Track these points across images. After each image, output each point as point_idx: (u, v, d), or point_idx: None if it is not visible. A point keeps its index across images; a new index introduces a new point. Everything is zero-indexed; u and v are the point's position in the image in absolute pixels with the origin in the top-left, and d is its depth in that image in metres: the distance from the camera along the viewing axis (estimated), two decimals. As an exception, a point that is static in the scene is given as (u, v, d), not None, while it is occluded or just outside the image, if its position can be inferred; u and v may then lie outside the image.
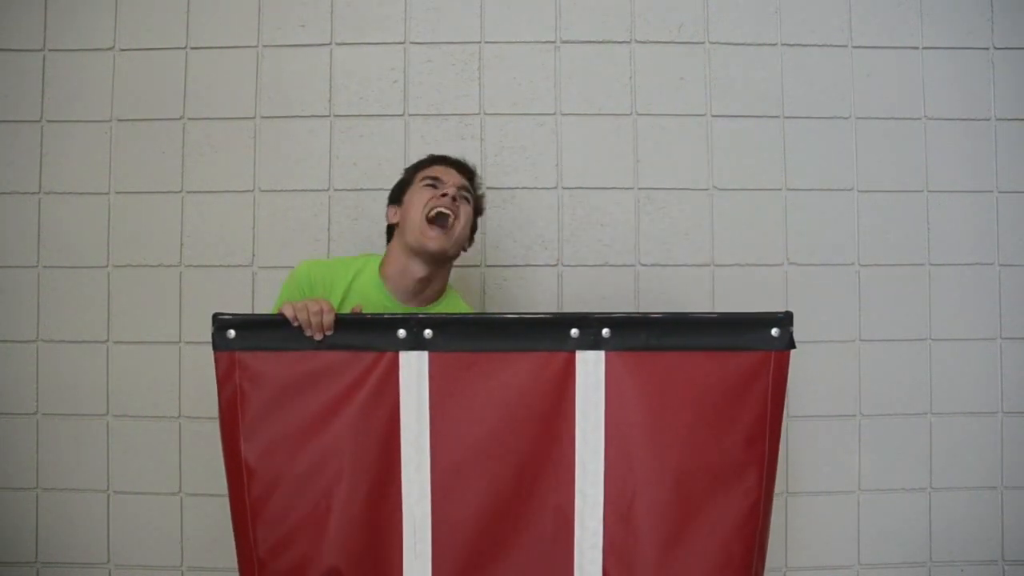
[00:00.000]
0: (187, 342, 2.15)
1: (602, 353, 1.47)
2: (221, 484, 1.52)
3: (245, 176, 2.18)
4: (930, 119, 2.20)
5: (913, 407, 2.18)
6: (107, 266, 2.17)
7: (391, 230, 1.81)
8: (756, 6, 2.21)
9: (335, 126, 2.19)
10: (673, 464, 1.45)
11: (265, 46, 2.19)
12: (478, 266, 2.15)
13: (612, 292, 2.16)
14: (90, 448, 2.15)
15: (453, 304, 1.83)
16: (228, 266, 2.16)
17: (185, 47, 2.19)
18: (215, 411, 1.49)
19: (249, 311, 2.09)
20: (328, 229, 2.17)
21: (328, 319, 1.47)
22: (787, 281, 2.18)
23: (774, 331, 1.47)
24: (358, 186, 2.17)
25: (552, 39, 2.20)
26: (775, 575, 2.15)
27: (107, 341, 2.16)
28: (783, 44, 2.21)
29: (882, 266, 2.19)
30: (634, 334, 1.47)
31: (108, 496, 2.15)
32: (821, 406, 2.17)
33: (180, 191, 2.18)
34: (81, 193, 2.17)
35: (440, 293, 1.79)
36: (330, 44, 2.19)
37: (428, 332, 1.47)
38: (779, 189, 2.19)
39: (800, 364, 1.95)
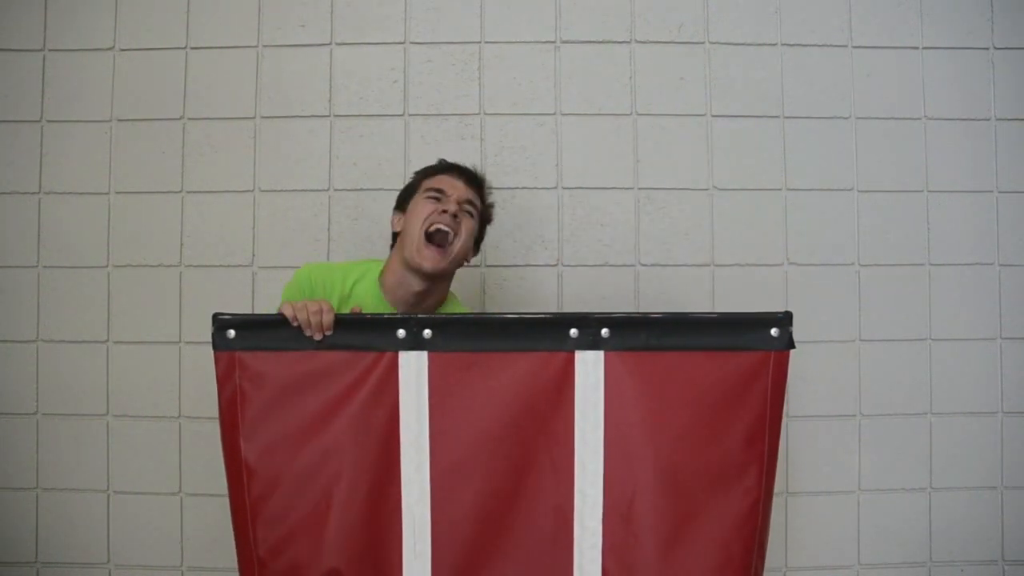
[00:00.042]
0: (187, 342, 2.15)
1: (601, 353, 1.47)
2: (221, 484, 1.52)
3: (245, 176, 2.18)
4: (930, 119, 2.20)
5: (913, 407, 2.18)
6: (107, 266, 2.17)
7: (396, 236, 1.80)
8: (756, 6, 2.21)
9: (335, 126, 2.19)
10: (673, 464, 1.45)
11: (265, 46, 2.19)
12: (478, 266, 2.15)
13: (612, 292, 2.16)
14: (90, 448, 2.15)
15: (453, 310, 1.82)
16: (228, 266, 2.16)
17: (185, 47, 2.19)
18: (215, 411, 1.49)
19: (249, 311, 2.09)
20: (328, 229, 2.17)
21: (327, 319, 1.47)
22: (787, 281, 2.18)
23: (774, 331, 1.46)
24: (358, 186, 2.17)
25: (552, 39, 2.20)
26: (775, 575, 2.15)
27: (107, 341, 2.16)
28: (783, 44, 2.21)
29: (882, 266, 2.19)
30: (633, 334, 1.47)
31: (108, 496, 2.16)
32: (821, 406, 2.17)
33: (180, 191, 2.18)
34: (81, 193, 2.18)
35: (440, 303, 1.78)
36: (330, 44, 2.19)
37: (427, 332, 1.47)
38: (779, 189, 2.19)
39: (800, 364, 1.96)
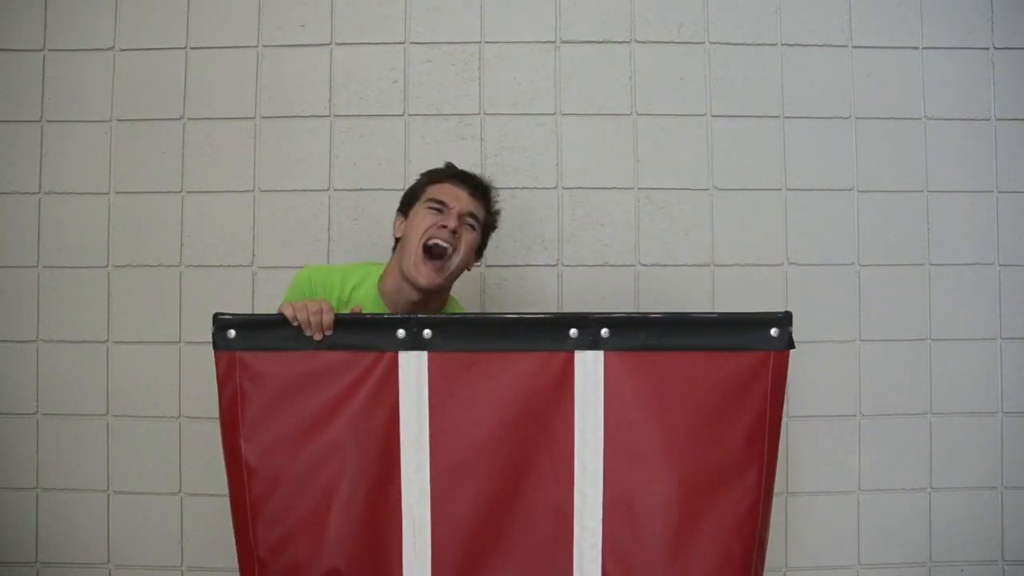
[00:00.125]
0: (187, 342, 2.16)
1: (601, 353, 1.47)
2: (221, 484, 1.52)
3: (245, 176, 2.18)
4: (930, 119, 2.20)
5: (913, 407, 2.18)
6: (107, 266, 2.17)
7: (398, 240, 1.78)
8: (756, 6, 2.21)
9: (335, 126, 2.19)
10: (672, 464, 1.45)
11: (265, 46, 2.19)
12: (478, 266, 2.15)
13: (612, 292, 2.16)
14: (90, 448, 2.15)
15: (452, 311, 1.82)
16: (228, 266, 2.17)
17: (185, 47, 2.19)
18: (215, 411, 1.49)
19: (249, 311, 2.09)
20: (328, 229, 2.17)
21: (327, 319, 1.47)
22: (787, 281, 2.18)
23: (774, 331, 1.46)
24: (358, 186, 2.17)
25: (552, 39, 2.20)
26: (775, 575, 2.15)
27: (107, 341, 2.16)
28: (783, 44, 2.21)
29: (882, 266, 2.19)
30: (633, 334, 1.47)
31: (108, 496, 2.16)
32: (821, 406, 2.17)
33: (180, 191, 2.18)
34: (81, 193, 2.18)
35: (439, 310, 1.77)
36: (330, 44, 2.19)
37: (427, 332, 1.47)
38: (779, 189, 2.19)
39: (800, 364, 1.96)
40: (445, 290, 1.75)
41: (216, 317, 1.48)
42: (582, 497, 1.46)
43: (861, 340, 2.18)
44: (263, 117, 2.18)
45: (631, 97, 2.20)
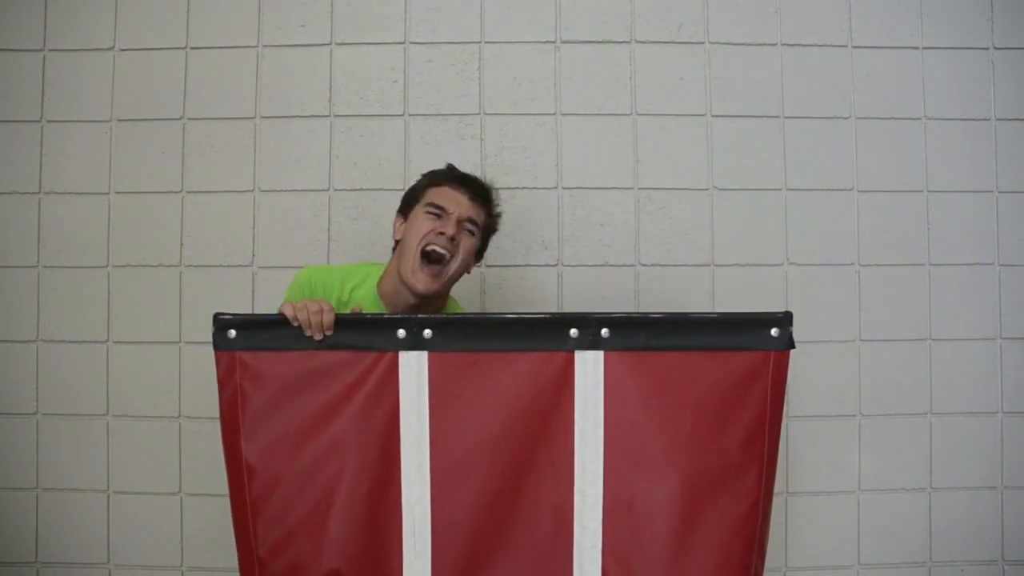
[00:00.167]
0: (187, 342, 2.16)
1: (601, 353, 1.46)
2: (221, 484, 1.52)
3: (245, 176, 2.18)
4: (930, 119, 2.20)
5: (913, 407, 2.18)
6: (107, 266, 2.17)
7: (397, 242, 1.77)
8: (756, 6, 2.21)
9: (335, 126, 2.19)
10: (672, 464, 1.45)
11: (265, 46, 2.19)
12: (478, 266, 2.15)
13: (612, 292, 2.16)
14: (90, 448, 2.15)
15: (452, 311, 1.82)
16: (228, 266, 2.17)
17: (185, 47, 2.19)
18: (215, 411, 1.49)
19: (249, 311, 2.09)
20: (328, 229, 2.17)
21: (328, 319, 1.47)
22: (787, 281, 2.18)
23: (774, 331, 1.46)
24: (358, 186, 2.17)
25: (552, 39, 2.20)
26: (775, 575, 2.15)
27: (107, 341, 2.16)
28: (783, 44, 2.21)
29: (882, 266, 2.19)
30: (633, 334, 1.47)
31: (108, 496, 2.16)
32: (821, 406, 2.17)
33: (180, 191, 2.18)
34: (81, 193, 2.18)
35: (438, 311, 1.77)
36: (330, 44, 2.19)
37: (428, 332, 1.47)
38: (779, 189, 2.19)
39: (800, 364, 1.95)
40: (443, 294, 1.75)
41: (216, 317, 1.48)
42: (582, 497, 1.46)
43: (861, 340, 2.18)
44: (263, 117, 2.18)
45: (631, 97, 2.20)
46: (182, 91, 2.18)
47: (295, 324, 1.47)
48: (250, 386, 1.47)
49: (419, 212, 1.70)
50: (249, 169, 2.18)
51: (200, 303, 2.14)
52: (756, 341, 1.46)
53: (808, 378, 2.14)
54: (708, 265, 2.18)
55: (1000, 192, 2.20)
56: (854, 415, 2.17)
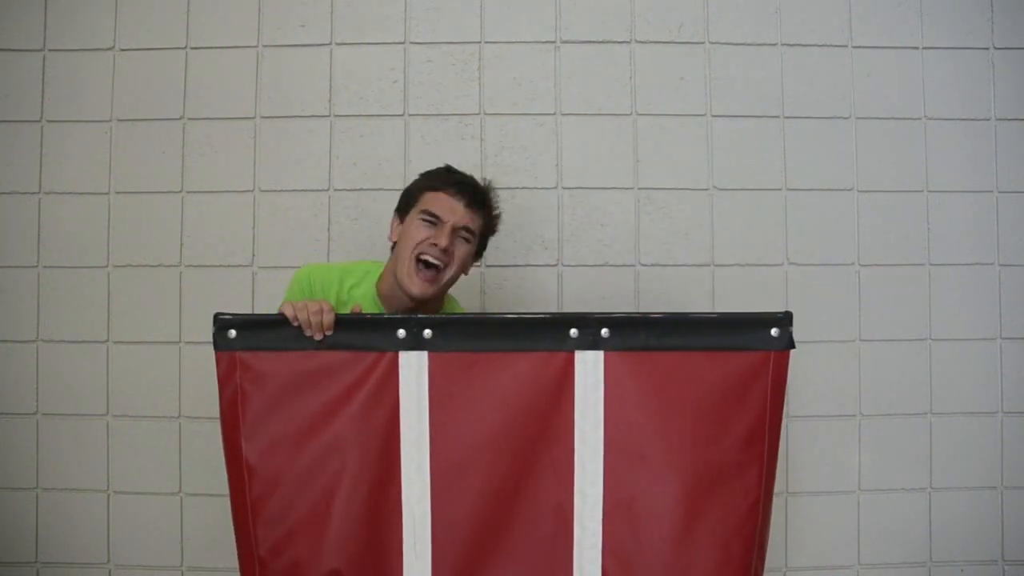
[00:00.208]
0: (187, 342, 2.16)
1: (601, 353, 1.46)
2: (221, 484, 1.52)
3: (245, 176, 2.18)
4: (930, 119, 2.20)
5: (913, 407, 2.18)
6: (107, 266, 2.17)
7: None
8: (756, 6, 2.21)
9: (335, 126, 2.19)
10: (673, 464, 1.45)
11: (265, 46, 2.19)
12: (478, 266, 2.15)
13: (612, 292, 2.16)
14: (90, 448, 2.15)
15: (451, 311, 1.82)
16: (228, 266, 2.17)
17: (185, 47, 2.19)
18: (215, 411, 1.49)
19: (249, 311, 2.09)
20: (328, 229, 2.17)
21: (328, 319, 1.47)
22: (787, 281, 2.18)
23: (774, 331, 1.46)
24: (358, 186, 2.17)
25: (552, 39, 2.20)
26: (775, 575, 2.15)
27: (107, 341, 2.16)
28: (783, 44, 2.21)
29: (882, 266, 2.19)
30: (633, 334, 1.47)
31: (108, 496, 2.16)
32: (821, 406, 2.17)
33: (180, 191, 2.18)
34: (81, 193, 2.18)
35: (438, 310, 1.77)
36: (330, 44, 2.19)
37: (428, 332, 1.47)
38: (779, 189, 2.19)
39: (800, 364, 1.96)
40: (440, 296, 1.75)
41: (217, 317, 1.48)
42: (582, 497, 1.46)
43: (861, 340, 2.18)
44: (263, 117, 2.18)
45: (631, 97, 2.20)
46: (182, 91, 2.18)
47: (295, 324, 1.47)
48: (250, 386, 1.47)
49: (414, 217, 1.69)
50: (249, 169, 2.18)
51: (200, 303, 2.14)
52: (756, 341, 1.46)
53: (808, 378, 2.14)
54: (708, 265, 2.18)
55: (1000, 192, 2.20)
56: (854, 415, 2.17)
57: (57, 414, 2.16)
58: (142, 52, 2.19)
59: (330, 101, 2.19)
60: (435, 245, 1.64)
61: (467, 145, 2.17)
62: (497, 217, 1.79)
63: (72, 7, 2.19)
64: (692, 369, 1.46)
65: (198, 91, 2.18)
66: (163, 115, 2.18)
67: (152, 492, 2.15)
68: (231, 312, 1.49)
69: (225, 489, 1.49)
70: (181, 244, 2.17)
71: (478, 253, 1.78)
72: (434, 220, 1.66)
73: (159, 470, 2.15)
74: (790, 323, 1.47)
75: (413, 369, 1.47)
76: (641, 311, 2.11)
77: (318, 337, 1.47)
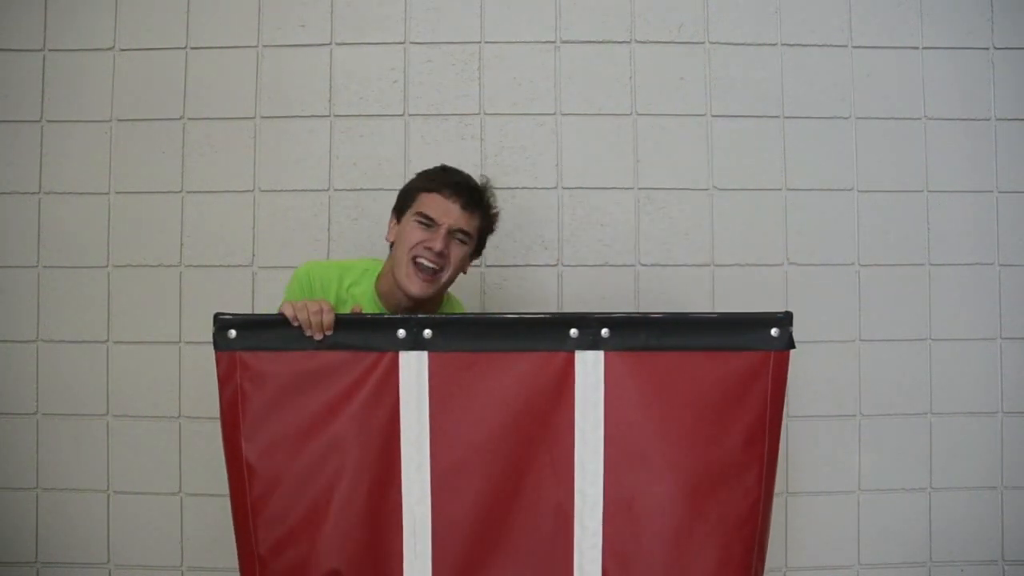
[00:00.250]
0: (187, 342, 2.16)
1: (601, 353, 1.46)
2: (221, 484, 1.52)
3: (245, 176, 2.18)
4: (930, 119, 2.20)
5: (913, 407, 2.18)
6: (107, 266, 2.17)
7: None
8: (756, 6, 2.21)
9: (335, 126, 2.19)
10: (672, 464, 1.45)
11: (265, 46, 2.19)
12: (478, 266, 2.15)
13: (612, 292, 2.16)
14: (90, 448, 2.15)
15: (451, 310, 1.82)
16: (228, 266, 2.17)
17: (185, 47, 2.19)
18: (215, 411, 1.49)
19: (249, 311, 2.09)
20: (328, 229, 2.17)
21: (328, 319, 1.46)
22: (787, 281, 2.18)
23: (774, 331, 1.46)
24: (358, 186, 2.17)
25: (552, 39, 2.20)
26: (775, 575, 2.15)
27: (107, 341, 2.16)
28: (783, 44, 2.21)
29: (882, 266, 2.19)
30: (633, 334, 1.47)
31: (108, 496, 2.16)
32: (821, 406, 2.17)
33: (180, 191, 2.18)
34: (81, 193, 2.18)
35: (437, 308, 1.77)
36: (330, 44, 2.19)
37: (428, 332, 1.47)
38: (779, 189, 2.19)
39: (800, 364, 1.96)
40: (439, 296, 1.75)
41: (217, 317, 1.48)
42: (582, 497, 1.46)
43: (861, 340, 2.18)
44: (263, 117, 2.18)
45: (631, 97, 2.20)
46: (182, 91, 2.18)
47: (295, 324, 1.47)
48: (250, 386, 1.47)
49: (409, 219, 1.68)
50: (249, 169, 2.18)
51: (200, 303, 2.14)
52: (756, 341, 1.46)
53: (808, 378, 2.14)
54: (708, 265, 2.18)
55: (1000, 192, 2.20)
56: (854, 415, 2.17)
57: (57, 414, 2.16)
58: (142, 52, 2.19)
59: (330, 101, 2.19)
60: (430, 249, 1.63)
61: (467, 145, 2.17)
62: (495, 215, 1.77)
63: (72, 7, 2.19)
64: (692, 369, 1.46)
65: (198, 91, 2.18)
66: (163, 115, 2.18)
67: (152, 492, 2.15)
68: (231, 312, 1.49)
69: (225, 489, 1.49)
70: (181, 244, 2.17)
71: (477, 251, 1.78)
72: (429, 223, 1.66)
73: (159, 470, 2.15)
74: (790, 323, 1.47)
75: (413, 369, 1.47)
76: (641, 311, 2.11)
77: (318, 337, 1.47)
